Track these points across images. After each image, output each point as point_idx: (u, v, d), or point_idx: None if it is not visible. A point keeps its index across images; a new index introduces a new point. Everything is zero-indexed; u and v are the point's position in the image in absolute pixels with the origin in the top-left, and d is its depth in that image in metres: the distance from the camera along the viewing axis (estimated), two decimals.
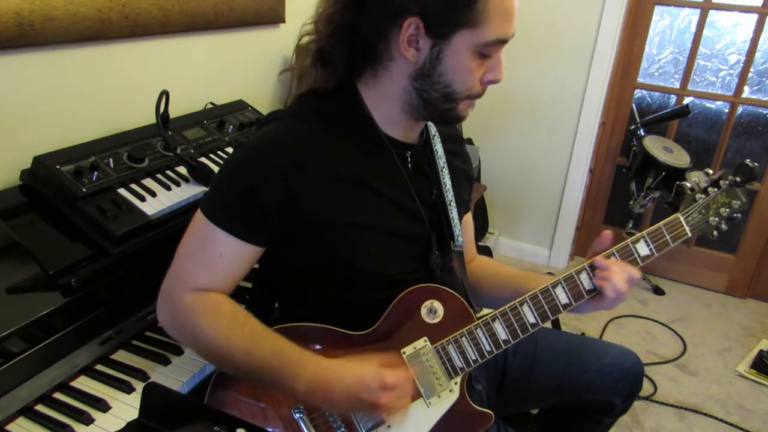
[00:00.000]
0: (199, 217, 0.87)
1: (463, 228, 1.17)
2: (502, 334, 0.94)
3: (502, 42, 0.83)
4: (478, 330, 0.94)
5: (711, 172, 1.02)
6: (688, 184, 1.01)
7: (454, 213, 1.01)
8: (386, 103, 0.90)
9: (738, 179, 0.99)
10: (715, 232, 1.00)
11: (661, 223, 0.97)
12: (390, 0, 0.81)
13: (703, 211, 0.99)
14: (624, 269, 0.93)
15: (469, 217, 1.19)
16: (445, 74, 0.84)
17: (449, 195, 1.01)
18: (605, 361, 1.12)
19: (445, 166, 1.02)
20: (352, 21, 0.85)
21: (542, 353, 1.16)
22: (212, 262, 0.86)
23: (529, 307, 0.94)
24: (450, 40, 0.81)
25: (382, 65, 0.88)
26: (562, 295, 0.95)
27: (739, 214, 1.01)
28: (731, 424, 1.94)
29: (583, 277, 0.95)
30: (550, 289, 0.94)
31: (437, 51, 0.82)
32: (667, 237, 0.97)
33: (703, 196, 0.99)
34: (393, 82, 0.88)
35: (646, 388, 2.09)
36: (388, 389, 0.80)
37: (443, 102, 0.87)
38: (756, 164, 0.99)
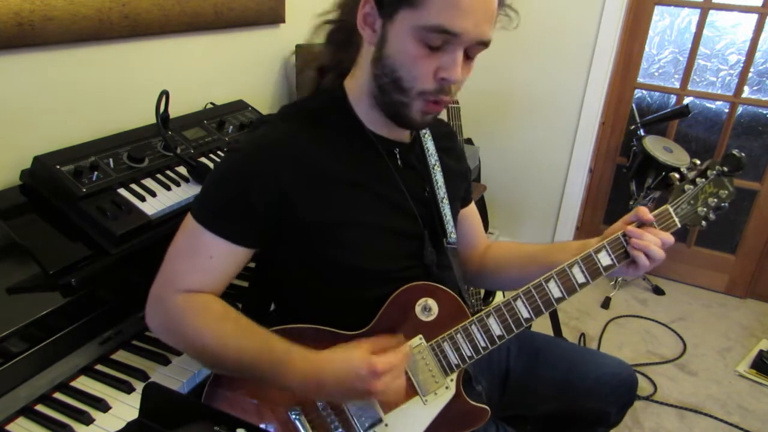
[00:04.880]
0: (189, 220, 0.87)
1: (468, 219, 1.17)
2: (496, 329, 0.94)
3: (448, 33, 0.78)
4: (473, 326, 0.94)
5: (698, 162, 1.02)
6: (677, 175, 1.01)
7: (446, 210, 1.02)
8: (362, 97, 0.91)
9: (725, 169, 1.00)
10: (703, 222, 1.01)
11: (650, 214, 0.97)
12: None
13: (691, 201, 1.00)
14: (657, 235, 0.93)
15: (473, 209, 1.19)
16: (391, 57, 0.82)
17: (441, 192, 1.01)
18: (603, 370, 1.13)
19: (437, 163, 1.02)
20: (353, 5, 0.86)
21: (544, 358, 1.16)
22: (202, 265, 0.86)
23: (523, 302, 0.94)
24: (394, 19, 0.81)
25: (359, 53, 0.90)
26: (555, 290, 0.95)
27: (726, 204, 1.01)
28: (731, 424, 1.94)
29: (576, 270, 0.95)
30: (543, 283, 0.94)
31: (385, 31, 0.82)
32: (657, 228, 0.96)
33: (692, 186, 1.00)
34: (363, 69, 0.89)
35: (646, 388, 2.10)
36: (379, 375, 0.79)
37: (393, 90, 0.84)
38: (743, 154, 0.99)
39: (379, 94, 0.87)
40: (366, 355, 0.81)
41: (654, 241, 0.92)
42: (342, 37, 0.91)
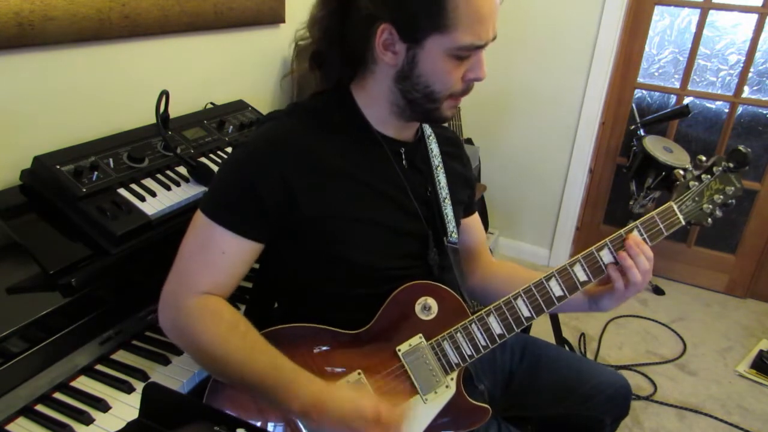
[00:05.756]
0: (199, 217, 0.88)
1: (472, 230, 1.18)
2: (497, 328, 0.94)
3: (478, 47, 0.84)
4: (473, 325, 0.94)
5: (704, 159, 1.00)
6: (682, 172, 0.99)
7: (448, 209, 1.02)
8: (376, 103, 0.93)
9: (732, 165, 0.98)
10: (709, 220, 0.99)
11: (654, 212, 0.96)
12: (361, 8, 0.84)
13: (696, 198, 0.98)
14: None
15: (476, 219, 1.20)
16: (424, 76, 0.86)
17: (443, 192, 1.02)
18: (601, 379, 1.14)
19: (441, 165, 1.03)
20: (339, 25, 0.88)
21: (546, 362, 1.17)
22: (214, 261, 0.86)
23: (524, 300, 0.94)
24: (423, 44, 0.83)
25: (369, 68, 0.91)
26: (556, 288, 0.94)
27: (733, 201, 0.99)
28: (731, 424, 1.94)
29: (577, 268, 0.94)
30: (544, 282, 0.94)
31: (412, 55, 0.85)
32: (661, 226, 0.96)
33: (697, 183, 0.98)
34: (379, 83, 0.91)
35: (646, 388, 2.10)
36: (381, 423, 0.79)
37: (426, 102, 0.89)
38: (749, 149, 0.97)
39: (408, 105, 0.90)
40: (376, 401, 0.81)
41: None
42: (331, 56, 0.92)
